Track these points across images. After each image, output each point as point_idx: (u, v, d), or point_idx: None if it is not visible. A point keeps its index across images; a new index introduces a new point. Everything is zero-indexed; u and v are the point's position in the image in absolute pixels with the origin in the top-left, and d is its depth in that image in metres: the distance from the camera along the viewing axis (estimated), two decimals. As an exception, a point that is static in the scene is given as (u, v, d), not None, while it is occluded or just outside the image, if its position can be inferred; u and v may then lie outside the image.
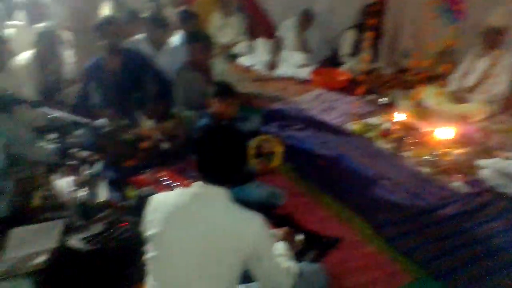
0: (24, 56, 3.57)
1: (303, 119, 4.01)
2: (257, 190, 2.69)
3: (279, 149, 3.01)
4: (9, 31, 4.25)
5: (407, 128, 3.62)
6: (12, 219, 2.36)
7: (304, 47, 5.38)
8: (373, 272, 2.24)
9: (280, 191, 2.76)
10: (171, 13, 5.85)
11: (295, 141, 3.56)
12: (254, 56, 5.54)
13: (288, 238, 2.00)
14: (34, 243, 2.08)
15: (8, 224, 2.28)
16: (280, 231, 2.02)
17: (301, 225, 2.53)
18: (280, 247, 1.84)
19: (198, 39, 3.41)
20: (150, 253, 1.63)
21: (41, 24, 3.87)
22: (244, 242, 1.52)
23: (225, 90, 2.95)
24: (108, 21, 3.37)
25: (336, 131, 3.82)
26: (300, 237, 2.19)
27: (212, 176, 1.61)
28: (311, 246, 2.29)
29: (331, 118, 4.06)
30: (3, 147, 2.62)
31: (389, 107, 4.08)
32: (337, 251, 2.38)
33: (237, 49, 5.77)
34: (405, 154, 3.37)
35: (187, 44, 3.42)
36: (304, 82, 4.96)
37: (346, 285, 2.16)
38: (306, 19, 5.29)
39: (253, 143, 2.92)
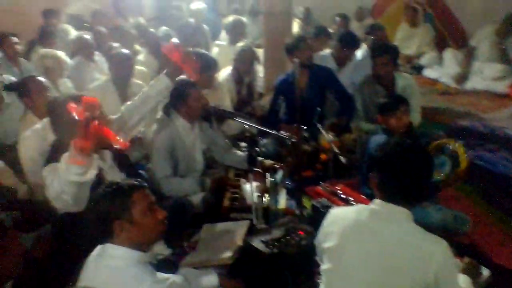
0: (225, 73, 4.08)
1: (497, 138, 3.60)
2: (439, 213, 2.52)
3: (463, 151, 2.70)
4: (214, 50, 4.92)
5: None
6: (206, 215, 2.72)
7: (502, 57, 4.81)
8: None
9: (465, 216, 2.54)
10: (356, 26, 5.93)
11: (486, 163, 3.24)
12: (442, 68, 5.20)
13: (471, 271, 1.85)
14: (223, 239, 2.37)
15: (203, 219, 2.64)
16: (462, 262, 1.88)
17: (487, 257, 2.30)
18: (462, 281, 1.71)
19: (384, 51, 3.40)
20: (325, 265, 1.69)
21: (240, 43, 4.36)
22: (426, 268, 1.46)
23: (398, 102, 2.88)
24: (300, 40, 3.62)
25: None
26: (486, 271, 1.99)
27: (394, 194, 1.59)
28: (499, 283, 2.06)
29: (534, 139, 3.55)
30: (203, 151, 3.08)
31: None
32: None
33: (423, 60, 5.51)
34: None
35: (373, 57, 3.44)
36: (500, 96, 4.45)
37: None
38: (508, 26, 4.72)
39: (432, 146, 2.75)
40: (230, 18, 5.20)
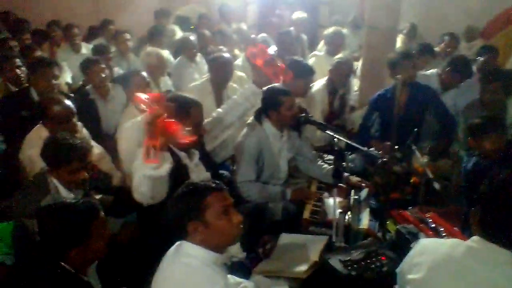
0: (320, 83, 4.04)
1: None
2: None
3: None
4: (311, 60, 4.90)
5: None
6: (284, 224, 2.68)
7: None
8: None
9: None
10: (464, 47, 5.55)
11: None
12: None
13: None
14: (299, 251, 2.32)
15: (281, 228, 2.60)
16: None
17: None
18: None
19: (496, 78, 3.12)
20: (408, 297, 1.59)
21: (338, 55, 4.29)
22: None
23: (492, 123, 2.67)
24: (405, 57, 3.46)
25: None
26: None
27: (498, 233, 1.42)
28: None
29: None
30: (288, 160, 3.06)
31: None
32: None
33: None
34: None
35: (482, 83, 3.18)
36: None
37: None
38: None
39: None
40: (331, 29, 5.15)
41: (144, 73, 3.42)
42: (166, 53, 4.51)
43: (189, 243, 1.60)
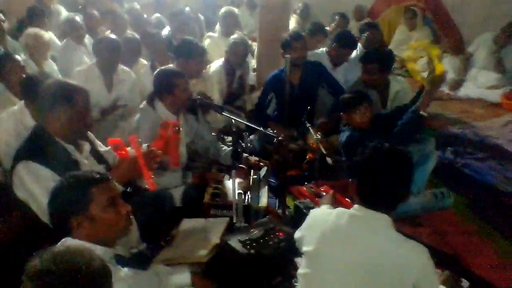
0: (216, 64, 3.99)
1: (486, 147, 3.57)
2: (418, 197, 2.58)
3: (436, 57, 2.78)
4: (206, 42, 4.82)
5: None
6: (186, 209, 2.64)
7: (498, 66, 4.77)
8: None
9: (445, 190, 2.64)
10: (354, 25, 5.86)
11: (473, 172, 3.20)
12: (438, 73, 5.15)
13: (451, 283, 1.81)
14: (200, 236, 2.30)
15: (181, 214, 2.56)
16: (443, 274, 1.83)
17: (468, 269, 2.25)
18: (441, 291, 1.67)
19: (374, 59, 3.30)
20: (302, 269, 1.65)
21: (234, 36, 4.27)
22: (405, 275, 1.43)
23: (360, 98, 2.89)
24: (296, 37, 3.53)
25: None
26: (465, 283, 1.95)
27: (374, 200, 1.55)
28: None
29: (524, 150, 3.51)
30: (187, 144, 3.00)
31: None
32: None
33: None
34: None
35: (362, 63, 3.35)
36: (492, 105, 4.41)
37: None
38: (507, 35, 4.69)
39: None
40: (223, 9, 5.09)
41: (17, 57, 3.09)
42: (48, 35, 4.12)
43: (74, 240, 1.48)
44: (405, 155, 1.63)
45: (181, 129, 2.82)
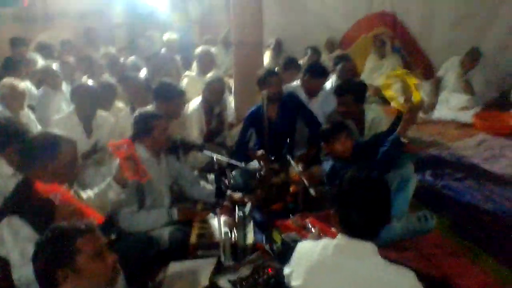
0: (194, 103, 4.03)
1: (463, 167, 3.66)
2: (401, 221, 2.63)
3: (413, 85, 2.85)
4: (184, 81, 4.89)
5: None
6: (172, 251, 2.60)
7: (466, 88, 4.97)
8: None
9: (427, 213, 2.66)
10: (326, 58, 6.03)
11: (452, 193, 3.28)
12: (410, 98, 5.30)
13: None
14: (189, 279, 2.27)
15: (169, 257, 2.51)
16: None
17: (457, 288, 2.27)
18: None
19: (347, 91, 3.40)
20: (294, 305, 1.64)
21: (210, 74, 4.35)
22: None
23: (339, 128, 2.96)
24: (270, 73, 3.62)
25: (504, 182, 3.37)
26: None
27: (355, 229, 1.56)
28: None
29: (498, 167, 3.62)
30: (170, 185, 2.99)
31: None
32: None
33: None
34: None
35: (338, 96, 3.43)
36: (465, 126, 4.56)
37: None
38: (472, 59, 4.90)
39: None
40: (199, 49, 5.20)
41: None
42: (24, 84, 4.11)
43: None
44: (380, 180, 1.65)
45: (162, 169, 2.84)
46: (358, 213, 1.55)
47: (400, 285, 1.45)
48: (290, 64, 4.75)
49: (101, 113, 3.59)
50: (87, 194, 2.43)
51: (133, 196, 2.71)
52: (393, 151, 2.72)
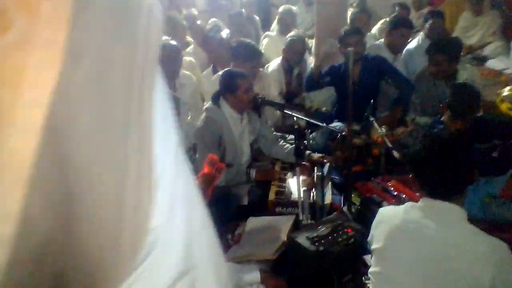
0: (274, 63, 4.00)
1: None
2: (502, 208, 2.38)
3: None
4: (264, 41, 4.85)
5: None
6: (251, 207, 2.67)
7: None
8: None
9: None
10: (415, 16, 5.64)
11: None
12: (509, 59, 4.82)
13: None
14: (267, 234, 2.31)
15: (247, 212, 2.58)
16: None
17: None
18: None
19: (441, 50, 3.16)
20: (373, 267, 1.62)
21: (291, 33, 4.26)
22: (482, 272, 1.33)
23: (463, 106, 2.73)
24: (354, 31, 3.46)
25: None
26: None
27: (438, 190, 1.49)
28: None
29: None
30: (250, 143, 3.03)
31: None
32: None
33: (487, 50, 5.14)
34: None
35: (431, 55, 3.21)
36: None
37: None
38: None
39: None
40: (281, 8, 5.10)
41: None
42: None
43: None
44: (458, 137, 1.60)
45: (244, 126, 2.88)
46: (438, 174, 1.48)
47: (490, 256, 1.35)
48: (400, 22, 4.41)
49: (184, 73, 3.68)
50: None
51: (214, 151, 2.78)
52: None
